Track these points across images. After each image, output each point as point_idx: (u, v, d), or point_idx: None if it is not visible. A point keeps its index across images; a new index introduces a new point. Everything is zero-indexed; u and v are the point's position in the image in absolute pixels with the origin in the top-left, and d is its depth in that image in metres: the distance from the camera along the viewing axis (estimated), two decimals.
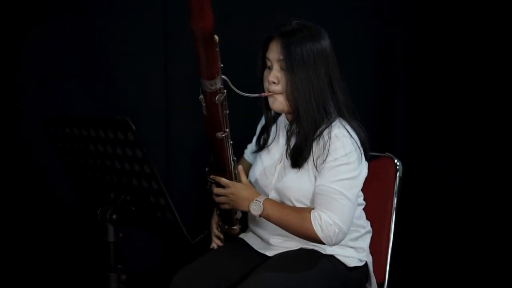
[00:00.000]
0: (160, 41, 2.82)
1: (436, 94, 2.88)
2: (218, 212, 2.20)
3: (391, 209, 2.30)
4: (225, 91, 1.88)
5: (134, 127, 1.66)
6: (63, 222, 2.76)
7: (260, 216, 2.01)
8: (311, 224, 1.94)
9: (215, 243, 2.31)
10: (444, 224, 2.87)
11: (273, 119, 2.20)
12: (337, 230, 1.93)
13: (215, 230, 2.31)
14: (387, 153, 2.35)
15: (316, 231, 1.94)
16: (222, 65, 1.83)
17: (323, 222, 1.93)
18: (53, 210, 2.75)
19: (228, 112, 1.94)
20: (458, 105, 2.83)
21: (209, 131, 1.95)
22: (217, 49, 1.79)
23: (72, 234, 2.77)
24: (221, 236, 2.29)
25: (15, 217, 2.72)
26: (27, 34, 2.64)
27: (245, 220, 2.25)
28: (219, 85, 1.85)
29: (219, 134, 1.94)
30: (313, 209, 1.98)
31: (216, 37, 1.76)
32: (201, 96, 1.89)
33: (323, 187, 1.96)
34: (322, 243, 1.96)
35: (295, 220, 1.98)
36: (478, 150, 2.79)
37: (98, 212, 1.85)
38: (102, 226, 1.85)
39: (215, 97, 1.86)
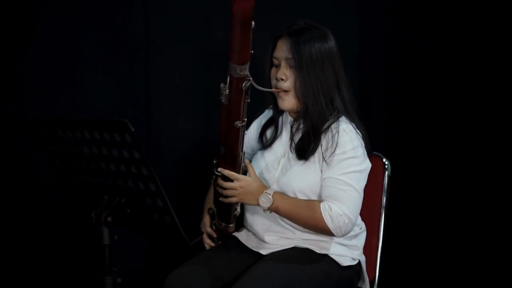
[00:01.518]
0: (141, 46, 2.81)
1: (415, 91, 2.93)
2: (216, 209, 2.19)
3: (381, 208, 2.33)
4: (251, 78, 1.88)
5: (132, 129, 1.65)
6: (55, 226, 2.73)
7: (269, 208, 2.02)
8: (321, 215, 1.97)
9: (207, 243, 2.29)
10: (433, 221, 2.91)
11: (279, 116, 2.21)
12: (346, 221, 1.97)
13: (208, 229, 2.28)
14: (375, 153, 2.36)
15: (326, 222, 1.97)
16: (252, 51, 1.82)
17: (333, 212, 1.96)
18: (46, 214, 2.73)
19: (249, 101, 1.93)
20: (438, 101, 2.88)
21: (226, 120, 1.94)
22: (251, 35, 1.79)
23: (66, 237, 2.74)
24: (214, 235, 2.28)
25: (8, 221, 2.70)
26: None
27: (238, 219, 2.24)
28: (247, 71, 1.85)
29: (238, 123, 1.93)
30: (321, 201, 2.01)
31: (253, 22, 1.76)
32: (222, 84, 1.89)
33: (332, 179, 1.99)
34: (331, 234, 1.99)
35: (304, 211, 2.01)
36: (461, 146, 2.86)
37: (93, 215, 1.84)
38: (96, 228, 1.84)
39: (242, 83, 1.86)
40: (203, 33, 2.83)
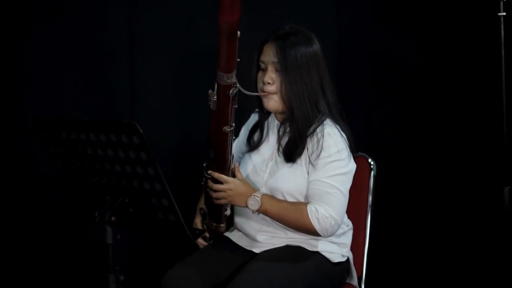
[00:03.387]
0: (126, 47, 2.85)
1: (395, 90, 3.04)
2: (207, 209, 2.24)
3: (367, 206, 2.41)
4: (238, 85, 1.95)
5: (141, 131, 1.69)
6: (56, 225, 2.75)
7: (257, 211, 2.08)
8: (308, 217, 2.04)
9: (200, 242, 2.34)
10: (418, 219, 3.02)
11: (264, 119, 2.27)
12: (333, 223, 2.04)
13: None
14: (360, 153, 2.43)
15: (313, 224, 2.04)
16: (238, 60, 1.90)
17: (320, 215, 2.03)
18: (46, 213, 2.75)
19: (236, 107, 2.00)
20: (416, 99, 3.00)
21: (215, 125, 2.00)
22: (237, 44, 1.86)
23: (66, 236, 2.76)
24: (207, 235, 2.33)
25: (12, 220, 2.71)
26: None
27: (228, 219, 2.29)
28: (234, 79, 1.92)
29: (226, 128, 2.00)
30: (308, 203, 2.07)
31: (238, 32, 1.83)
32: (210, 91, 1.96)
33: (318, 182, 2.06)
34: (318, 235, 2.06)
35: (292, 214, 2.07)
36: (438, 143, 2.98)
37: (96, 215, 1.87)
38: (100, 228, 1.87)
39: (229, 91, 1.93)
40: (188, 35, 2.87)
